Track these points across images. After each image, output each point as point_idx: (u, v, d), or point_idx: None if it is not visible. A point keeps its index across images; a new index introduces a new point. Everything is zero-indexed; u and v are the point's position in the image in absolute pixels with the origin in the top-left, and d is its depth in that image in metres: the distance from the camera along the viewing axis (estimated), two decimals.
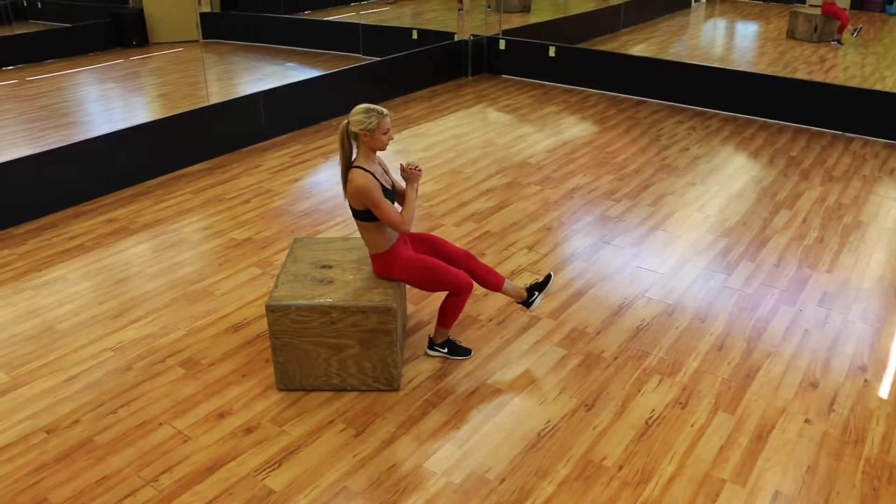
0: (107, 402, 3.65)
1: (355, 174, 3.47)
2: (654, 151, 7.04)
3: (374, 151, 3.56)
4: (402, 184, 3.78)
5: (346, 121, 3.51)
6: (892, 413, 3.56)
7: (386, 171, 3.71)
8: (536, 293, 4.00)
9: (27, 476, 3.20)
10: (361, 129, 3.46)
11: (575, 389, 3.72)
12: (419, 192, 3.68)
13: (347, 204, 3.61)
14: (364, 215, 3.55)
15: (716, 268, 4.88)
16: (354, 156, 3.57)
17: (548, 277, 4.05)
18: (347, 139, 3.52)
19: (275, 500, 3.06)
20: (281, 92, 7.57)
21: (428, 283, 3.69)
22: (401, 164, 3.69)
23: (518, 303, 4.04)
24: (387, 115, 3.50)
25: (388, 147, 3.55)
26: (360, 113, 3.47)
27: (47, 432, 3.45)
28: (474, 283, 3.79)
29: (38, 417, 3.55)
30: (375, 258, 3.68)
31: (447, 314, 3.80)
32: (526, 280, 4.70)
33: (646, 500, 3.05)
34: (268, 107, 7.41)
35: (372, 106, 3.49)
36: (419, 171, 3.67)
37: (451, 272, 3.66)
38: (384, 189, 3.54)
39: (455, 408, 3.59)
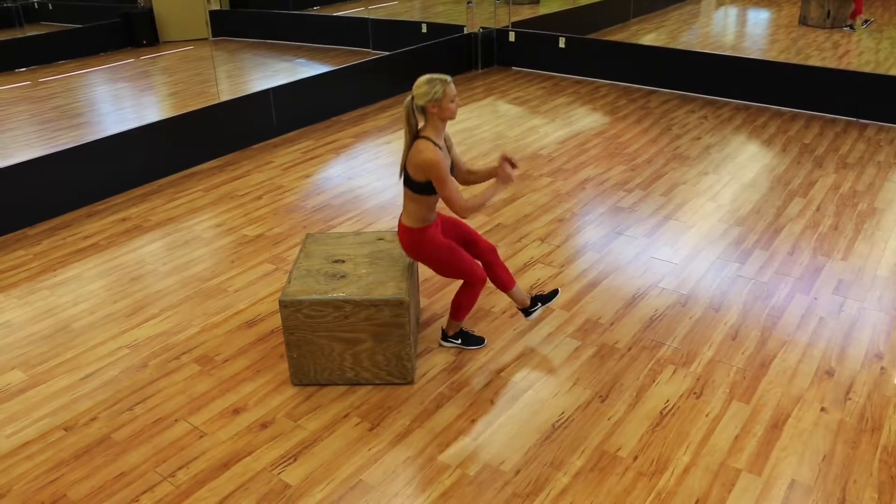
0: (123, 399, 3.68)
1: (425, 146, 3.37)
2: (666, 141, 7.00)
3: (444, 122, 3.44)
4: (463, 163, 3.71)
5: (409, 96, 3.42)
6: None
7: (449, 148, 3.62)
8: (539, 304, 4.02)
9: (46, 473, 3.23)
10: (429, 101, 3.36)
11: (589, 380, 3.71)
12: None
13: (403, 173, 3.51)
14: (420, 188, 3.45)
15: (729, 257, 4.86)
16: (421, 126, 3.46)
17: (554, 292, 4.06)
18: (413, 114, 3.43)
19: (291, 495, 3.07)
20: (291, 88, 7.58)
21: (447, 269, 3.67)
22: (504, 155, 3.55)
23: (518, 308, 4.04)
24: (450, 81, 3.39)
25: (456, 115, 3.43)
26: (423, 85, 3.37)
27: (65, 430, 3.48)
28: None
29: (56, 415, 3.58)
30: (408, 231, 3.59)
31: (461, 306, 3.80)
32: (538, 273, 4.70)
33: (661, 490, 3.05)
34: (278, 103, 7.43)
35: (434, 75, 3.39)
36: (513, 175, 3.52)
37: (470, 263, 3.67)
38: None
39: (469, 400, 3.59)
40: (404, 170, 3.51)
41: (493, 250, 3.84)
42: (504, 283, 3.86)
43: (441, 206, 5.64)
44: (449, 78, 3.40)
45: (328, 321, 3.55)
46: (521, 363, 3.86)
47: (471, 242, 3.82)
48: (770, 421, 3.41)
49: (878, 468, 3.13)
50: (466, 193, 3.45)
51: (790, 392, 3.60)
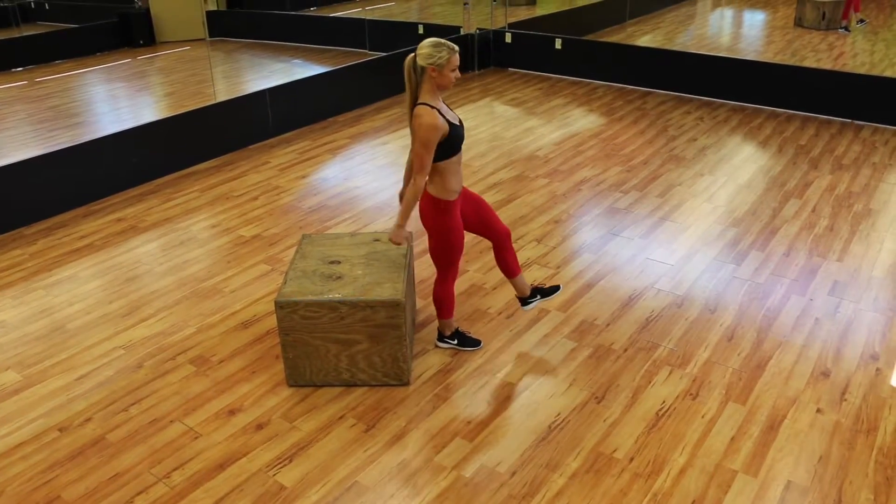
0: (118, 399, 3.67)
1: (423, 111, 3.28)
2: (662, 142, 7.01)
3: (440, 89, 3.34)
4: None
5: (411, 54, 3.33)
6: None
7: (450, 109, 3.52)
8: (538, 296, 4.02)
9: (41, 474, 3.22)
10: (430, 63, 3.27)
11: (585, 382, 3.71)
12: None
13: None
14: (437, 153, 3.36)
15: (725, 258, 4.86)
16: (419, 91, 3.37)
17: (554, 289, 4.07)
18: (413, 73, 3.34)
19: (286, 496, 3.07)
20: (287, 89, 7.57)
21: (441, 251, 3.63)
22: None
23: (517, 297, 4.04)
24: (457, 50, 3.31)
25: (451, 87, 3.31)
26: (428, 46, 3.28)
27: (60, 430, 3.47)
28: (499, 268, 3.87)
29: (51, 416, 3.57)
30: (432, 200, 3.51)
31: (442, 302, 3.81)
32: (535, 274, 4.70)
33: (657, 491, 3.05)
34: (275, 104, 7.42)
35: (441, 40, 3.30)
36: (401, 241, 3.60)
37: (458, 258, 3.67)
38: (451, 125, 3.37)
39: (465, 402, 3.59)
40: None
41: (508, 235, 3.82)
42: (511, 269, 3.87)
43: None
44: (456, 47, 3.31)
45: (324, 322, 3.54)
46: (517, 365, 3.86)
47: (488, 222, 3.76)
48: (766, 422, 3.41)
49: (873, 469, 3.14)
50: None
51: (786, 393, 3.60)
